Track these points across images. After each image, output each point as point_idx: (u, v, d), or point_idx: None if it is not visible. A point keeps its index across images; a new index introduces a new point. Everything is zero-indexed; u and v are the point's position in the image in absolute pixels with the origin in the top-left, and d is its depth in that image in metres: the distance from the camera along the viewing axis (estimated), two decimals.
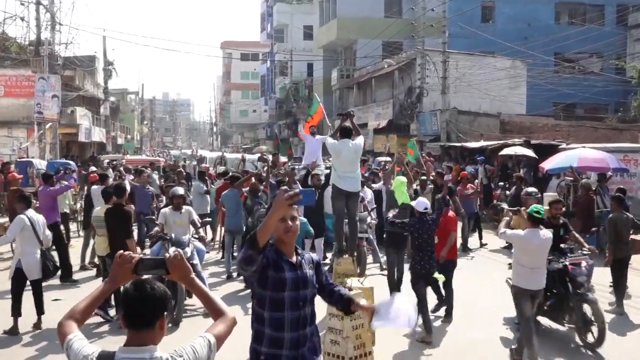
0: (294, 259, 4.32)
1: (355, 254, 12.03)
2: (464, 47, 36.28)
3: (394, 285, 10.73)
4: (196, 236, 10.91)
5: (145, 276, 3.15)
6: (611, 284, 11.49)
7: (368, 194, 14.55)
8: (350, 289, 7.47)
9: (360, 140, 10.38)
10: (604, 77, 37.39)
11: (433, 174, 17.56)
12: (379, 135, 38.00)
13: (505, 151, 22.79)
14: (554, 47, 36.73)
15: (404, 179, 12.15)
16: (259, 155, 30.30)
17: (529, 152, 21.86)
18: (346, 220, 10.30)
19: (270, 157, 18.64)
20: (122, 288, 3.11)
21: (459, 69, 33.83)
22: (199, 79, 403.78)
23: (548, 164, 18.00)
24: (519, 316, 8.23)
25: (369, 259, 13.99)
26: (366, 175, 16.87)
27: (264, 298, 4.21)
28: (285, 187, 3.24)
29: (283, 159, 25.12)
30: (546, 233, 8.07)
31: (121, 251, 3.29)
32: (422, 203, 9.68)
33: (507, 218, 9.17)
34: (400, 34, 40.72)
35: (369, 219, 13.33)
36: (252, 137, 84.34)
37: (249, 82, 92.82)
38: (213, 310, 3.31)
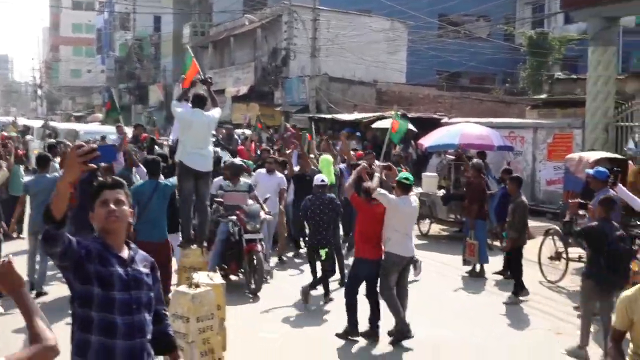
0: (125, 253, 4.20)
1: (247, 260, 11.73)
2: (338, 4, 36.60)
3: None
4: None
5: None
6: (497, 273, 12.89)
7: (274, 181, 13.25)
8: (197, 286, 7.45)
9: (216, 112, 10.34)
10: (491, 44, 38.97)
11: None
12: (239, 103, 37.87)
13: (379, 124, 23.32)
14: (438, 7, 37.82)
15: (330, 157, 12.41)
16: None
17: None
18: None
19: (129, 130, 17.85)
20: None
21: (331, 29, 34.16)
22: (19, 31, 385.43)
23: (427, 141, 18.47)
24: (383, 287, 9.08)
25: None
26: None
27: (90, 295, 4.00)
28: (79, 143, 3.16)
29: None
30: (416, 199, 9.36)
31: None
32: (320, 177, 11.28)
33: (379, 175, 9.66)
34: None
35: (262, 214, 11.76)
36: (86, 103, 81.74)
37: (82, 36, 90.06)
38: (32, 334, 3.17)
